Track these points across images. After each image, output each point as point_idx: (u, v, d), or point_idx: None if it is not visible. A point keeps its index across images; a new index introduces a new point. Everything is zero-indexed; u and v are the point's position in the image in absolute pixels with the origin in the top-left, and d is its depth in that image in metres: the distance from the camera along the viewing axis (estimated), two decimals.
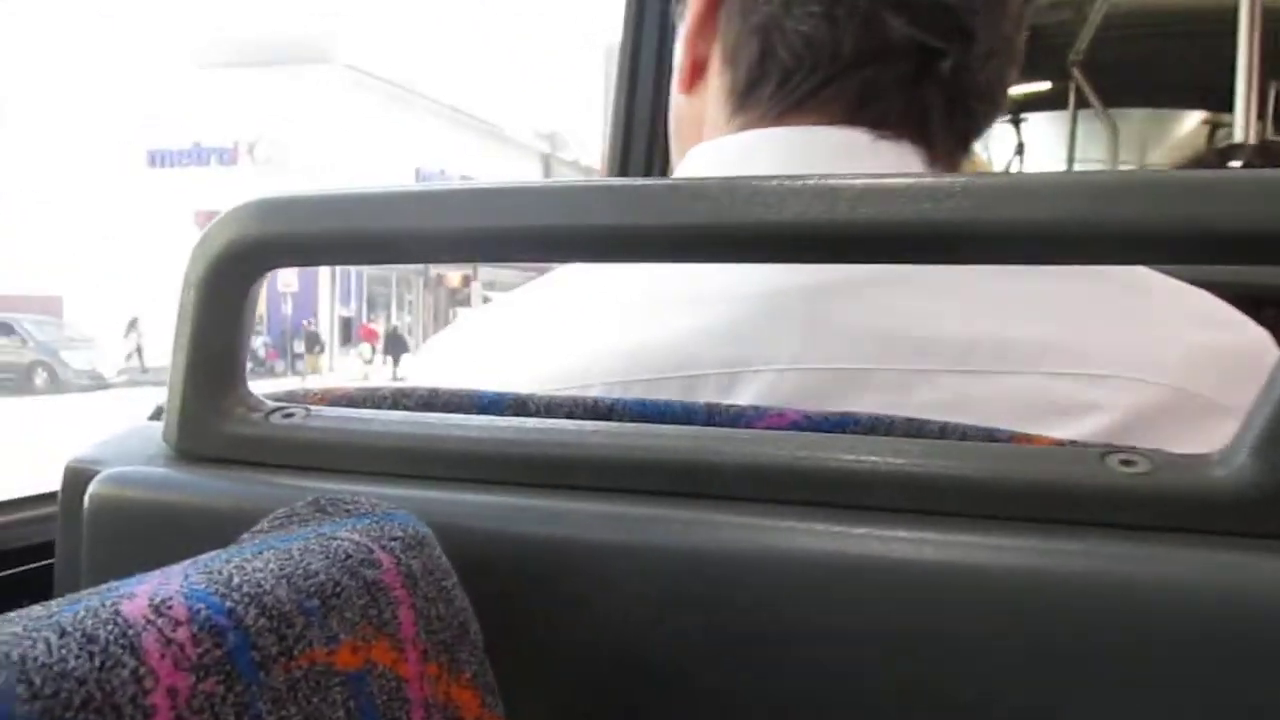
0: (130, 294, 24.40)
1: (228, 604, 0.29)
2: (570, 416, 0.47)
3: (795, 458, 0.41)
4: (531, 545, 0.42)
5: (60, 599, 0.28)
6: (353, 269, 25.44)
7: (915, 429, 0.44)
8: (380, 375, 21.34)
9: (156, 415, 0.53)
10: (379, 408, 0.50)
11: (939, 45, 0.54)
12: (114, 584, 0.29)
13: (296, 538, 0.35)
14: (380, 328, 27.55)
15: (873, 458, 0.40)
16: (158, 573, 0.31)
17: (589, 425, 0.45)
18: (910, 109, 0.55)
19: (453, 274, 25.86)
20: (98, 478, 0.47)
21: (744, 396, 0.49)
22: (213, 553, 0.33)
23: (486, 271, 27.53)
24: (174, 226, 24.68)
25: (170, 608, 0.28)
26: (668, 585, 0.40)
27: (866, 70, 0.54)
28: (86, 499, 0.47)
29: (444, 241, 0.43)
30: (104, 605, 0.27)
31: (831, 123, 0.55)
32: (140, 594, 0.28)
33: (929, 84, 0.55)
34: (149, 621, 0.27)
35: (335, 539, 0.35)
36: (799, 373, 0.49)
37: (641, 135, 1.43)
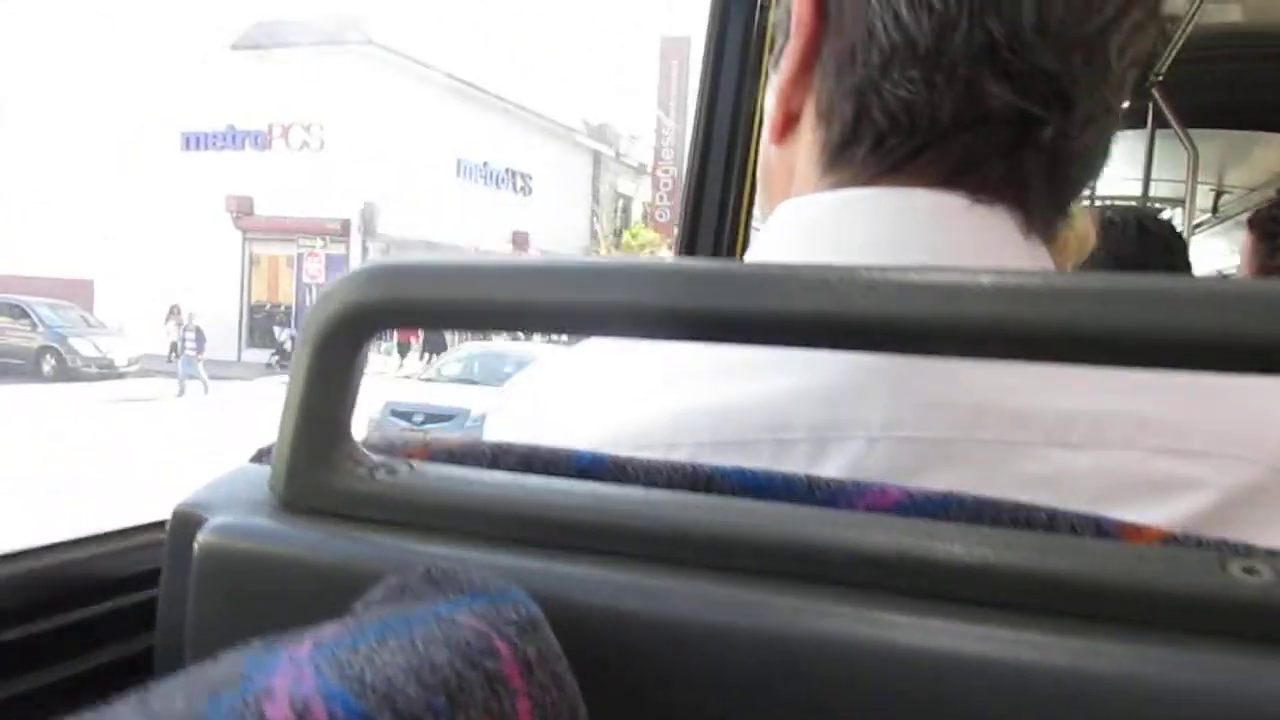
0: (163, 279, 23.73)
1: (363, 706, 0.31)
2: (670, 484, 0.47)
3: (902, 545, 0.41)
4: (634, 622, 0.42)
5: (195, 683, 0.31)
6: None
7: (1023, 516, 0.43)
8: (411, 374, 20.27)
9: (258, 458, 0.56)
10: (479, 463, 0.51)
11: (1039, 113, 0.52)
12: (243, 665, 0.32)
13: (417, 620, 0.36)
14: None
15: (984, 550, 0.40)
16: (285, 654, 0.33)
17: (693, 499, 0.46)
18: (1009, 175, 0.54)
19: None
20: (206, 526, 0.49)
21: (835, 462, 0.49)
22: (334, 629, 0.35)
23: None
24: (207, 210, 23.93)
25: (311, 712, 0.30)
26: (771, 671, 0.40)
27: (965, 136, 0.53)
28: (195, 547, 0.49)
29: (549, 314, 0.44)
30: (247, 705, 0.30)
31: (927, 186, 0.54)
32: (278, 691, 0.30)
33: (1028, 151, 0.53)
34: None
35: (455, 624, 0.36)
36: (891, 441, 0.49)
37: (717, 177, 1.48)
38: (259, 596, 0.48)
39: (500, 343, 14.96)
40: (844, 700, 0.39)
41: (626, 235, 32.49)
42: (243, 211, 24.25)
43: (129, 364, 19.37)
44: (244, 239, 24.45)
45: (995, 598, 0.39)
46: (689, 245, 1.55)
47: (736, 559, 0.43)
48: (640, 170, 37.05)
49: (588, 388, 0.59)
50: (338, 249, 23.65)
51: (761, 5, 1.47)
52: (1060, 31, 0.51)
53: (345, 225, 23.66)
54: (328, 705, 0.30)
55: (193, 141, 25.02)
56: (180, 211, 24.00)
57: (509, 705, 0.35)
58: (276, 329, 23.54)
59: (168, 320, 22.24)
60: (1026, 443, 0.48)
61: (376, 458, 0.50)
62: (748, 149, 1.50)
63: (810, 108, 0.58)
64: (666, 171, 38.70)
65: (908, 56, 0.52)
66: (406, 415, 11.42)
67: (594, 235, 31.82)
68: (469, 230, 27.06)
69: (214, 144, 24.91)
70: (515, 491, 0.47)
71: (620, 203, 36.86)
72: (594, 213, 32.79)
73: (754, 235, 1.55)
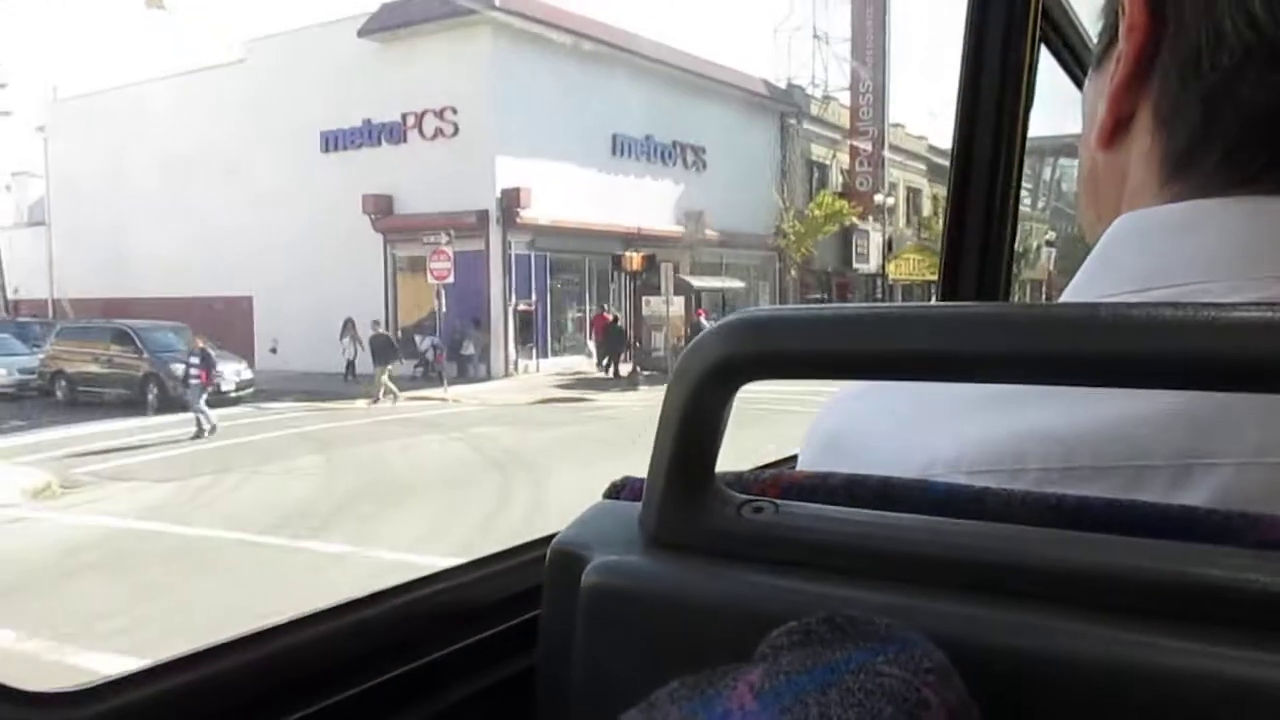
0: (318, 290, 22.31)
1: None
2: (1032, 518, 0.46)
3: None
4: (1027, 663, 0.42)
5: None
6: (533, 250, 21.77)
7: None
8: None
9: (613, 493, 0.61)
10: (832, 497, 0.52)
11: None
12: (696, 716, 0.35)
13: (842, 669, 0.37)
14: (570, 320, 23.92)
15: None
16: (733, 704, 0.36)
17: (1068, 536, 0.44)
18: None
19: (635, 256, 21.59)
20: (591, 566, 0.53)
21: (1200, 491, 0.46)
22: (760, 675, 0.37)
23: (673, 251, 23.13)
24: (349, 215, 22.25)
25: None
26: (1169, 716, 0.39)
27: None
28: (583, 583, 0.53)
29: (917, 361, 0.44)
30: None
31: None
32: None
33: None
34: None
35: (880, 674, 0.37)
36: (1264, 467, 0.46)
37: (983, 175, 1.41)
38: (642, 630, 0.51)
39: None
40: None
41: (811, 206, 28.44)
42: (381, 212, 22.43)
43: (237, 389, 17.77)
44: (385, 241, 22.62)
45: None
46: (950, 288, 1.48)
47: (1123, 599, 0.41)
48: (836, 134, 32.88)
49: (911, 410, 0.57)
50: (474, 244, 21.30)
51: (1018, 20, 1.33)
52: None
53: (482, 217, 21.29)
54: None
55: (331, 141, 23.50)
56: (328, 218, 22.47)
57: None
58: (418, 338, 21.49)
59: (343, 336, 20.93)
60: None
61: (741, 497, 0.52)
62: (1009, 180, 1.41)
63: (1146, 112, 0.55)
64: (865, 133, 34.41)
65: (1266, 59, 0.49)
66: None
67: (782, 211, 28.00)
68: (630, 212, 24.12)
69: (352, 142, 23.27)
70: (886, 529, 0.48)
71: (815, 173, 32.83)
72: (782, 185, 29.03)
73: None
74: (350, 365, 20.85)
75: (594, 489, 0.64)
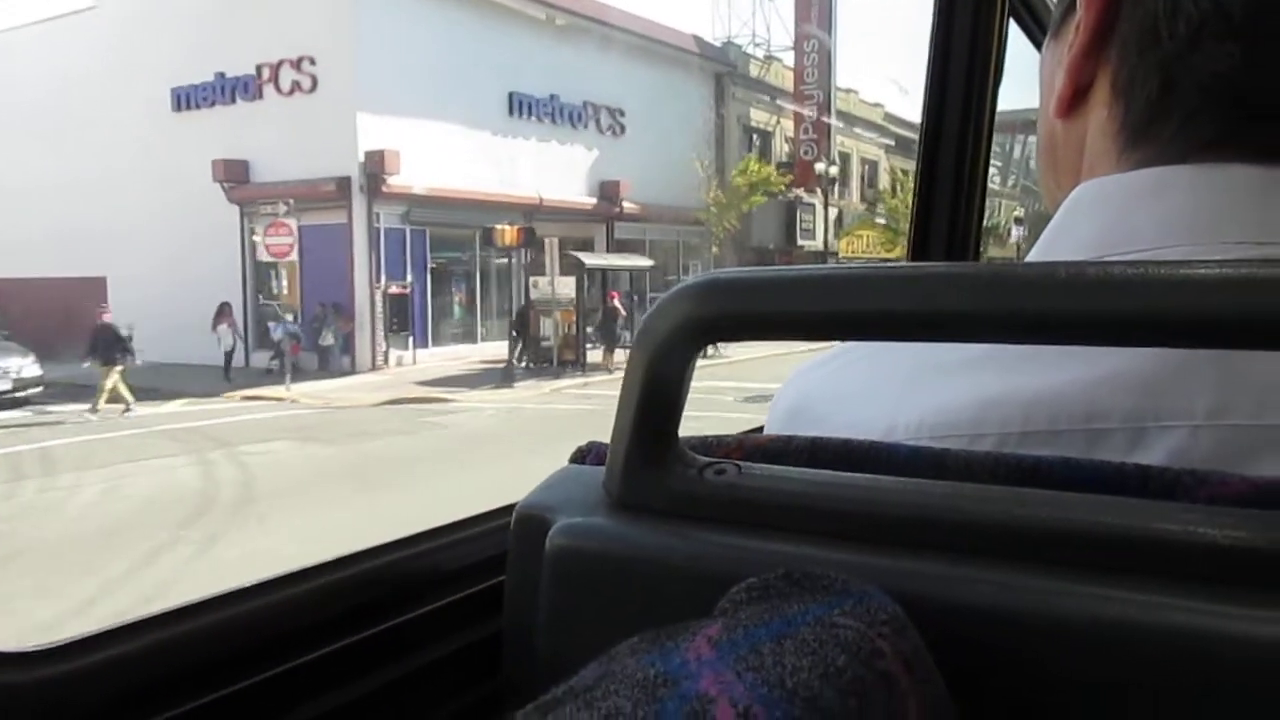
0: (181, 272, 19.39)
1: (795, 711, 0.34)
2: (995, 478, 0.47)
3: (1251, 537, 0.40)
4: (979, 616, 0.42)
5: (620, 684, 0.34)
6: (408, 224, 18.85)
7: None
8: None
9: (578, 458, 0.61)
10: (796, 460, 0.53)
11: None
12: (658, 666, 0.35)
13: (798, 621, 0.38)
14: (456, 304, 21.04)
15: None
16: (691, 655, 0.36)
17: (1026, 493, 0.45)
18: None
19: (509, 229, 18.67)
20: (556, 528, 0.53)
21: (1154, 452, 0.48)
22: (719, 629, 0.38)
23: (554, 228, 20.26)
24: (205, 184, 19.29)
25: (756, 716, 0.33)
26: (1119, 664, 0.40)
27: None
28: (546, 545, 0.53)
29: (876, 322, 0.45)
30: (695, 712, 0.33)
31: (1245, 161, 0.52)
32: (718, 698, 0.33)
33: None
34: None
35: (836, 625, 0.38)
36: (1216, 429, 0.47)
37: (951, 142, 1.42)
38: (606, 591, 0.52)
39: None
40: (1198, 695, 0.38)
41: (734, 173, 25.41)
42: (235, 179, 19.46)
43: (15, 388, 14.93)
44: (241, 214, 19.68)
45: None
46: (920, 249, 1.49)
47: (1077, 553, 0.42)
48: (780, 98, 30.07)
49: (874, 377, 0.58)
50: (335, 216, 18.38)
51: None
52: None
53: (343, 184, 18.36)
54: (767, 710, 0.33)
55: (183, 99, 20.48)
56: (183, 188, 19.51)
57: (901, 704, 0.37)
58: (270, 325, 18.56)
59: (217, 324, 18.05)
60: None
61: (703, 460, 0.52)
62: (979, 147, 1.45)
63: (1104, 81, 0.56)
64: (810, 97, 31.55)
65: (1222, 28, 0.50)
66: None
67: (706, 180, 25.02)
68: (530, 180, 21.28)
69: (205, 99, 20.25)
70: (845, 490, 0.48)
71: (755, 140, 30.03)
72: (719, 153, 26.16)
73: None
74: (228, 357, 17.97)
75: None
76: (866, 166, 36.44)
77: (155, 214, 19.94)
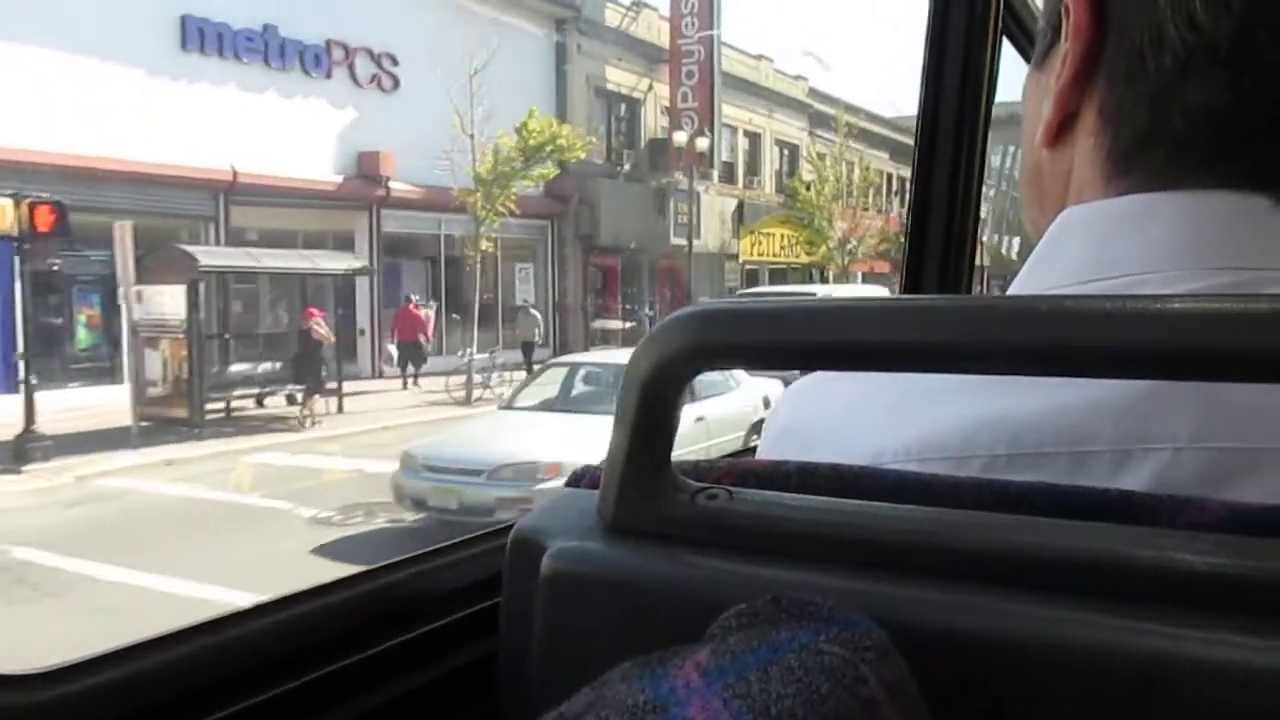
0: None
1: None
2: (980, 503, 0.48)
3: (1229, 563, 0.41)
4: (965, 642, 0.43)
5: (610, 710, 0.36)
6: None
7: None
8: None
9: (574, 482, 0.63)
10: (785, 484, 0.54)
11: None
12: (647, 693, 0.37)
13: (784, 648, 0.39)
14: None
15: None
16: (680, 681, 0.37)
17: (1011, 519, 0.46)
18: None
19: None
20: (550, 551, 0.55)
21: (1138, 475, 0.48)
22: (707, 655, 0.39)
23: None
24: None
25: None
26: (1101, 690, 0.41)
27: (1276, 143, 0.53)
28: (542, 569, 0.54)
29: (867, 353, 0.47)
30: None
31: (1229, 188, 0.53)
32: None
33: None
34: None
35: (820, 653, 0.39)
36: (1198, 452, 0.48)
37: (944, 170, 1.45)
38: (600, 614, 0.53)
39: None
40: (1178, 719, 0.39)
41: (499, 135, 17.10)
42: None
43: None
44: None
45: None
46: (913, 282, 1.51)
47: (1060, 579, 0.43)
48: (653, 54, 23.41)
49: (863, 400, 0.59)
50: None
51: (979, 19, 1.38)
52: None
53: None
54: None
55: None
56: None
57: None
58: None
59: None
60: None
61: (696, 484, 0.53)
62: (971, 168, 1.46)
63: (1091, 110, 0.57)
64: (689, 54, 24.83)
65: (1208, 58, 0.51)
66: None
67: (470, 145, 16.88)
68: (226, 146, 14.57)
69: None
70: (835, 515, 0.49)
71: (616, 108, 23.35)
72: (561, 117, 19.33)
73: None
74: None
75: None
76: (785, 151, 29.83)
77: None
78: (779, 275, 28.56)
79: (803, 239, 27.14)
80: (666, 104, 23.53)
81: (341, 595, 0.70)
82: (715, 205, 25.26)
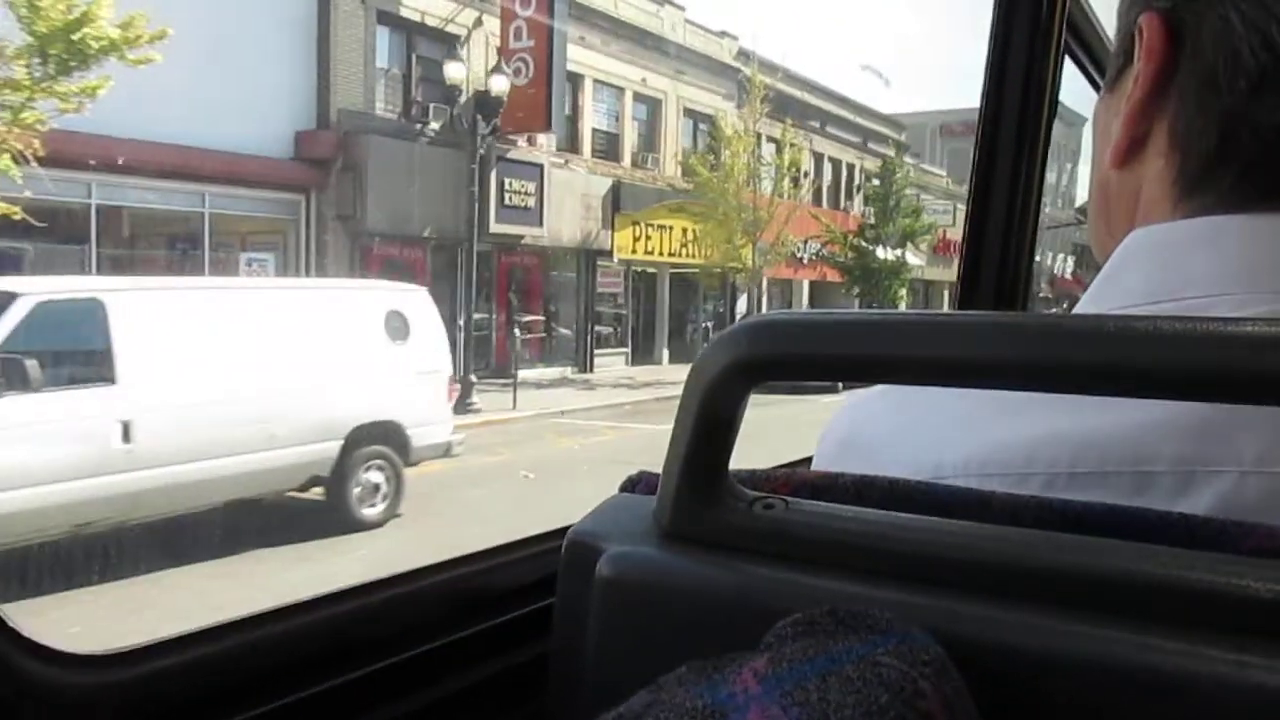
0: None
1: None
2: (1039, 521, 0.48)
3: None
4: (1022, 660, 0.43)
5: (671, 714, 0.37)
6: None
7: None
8: None
9: (629, 487, 0.63)
10: (843, 496, 0.54)
11: None
12: (705, 698, 0.37)
13: (842, 659, 0.39)
14: None
15: None
16: (738, 688, 0.38)
17: (1070, 540, 0.46)
18: None
19: None
20: (606, 556, 0.55)
21: (1201, 498, 0.48)
22: (765, 662, 0.39)
23: None
24: None
25: None
26: (1157, 715, 0.41)
27: None
28: (597, 572, 0.55)
29: (915, 366, 0.47)
30: None
31: None
32: None
33: None
34: None
35: (878, 665, 0.39)
36: (1263, 476, 0.48)
37: (1003, 188, 1.45)
38: (654, 620, 0.53)
39: None
40: None
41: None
42: None
43: None
44: None
45: None
46: (968, 298, 1.53)
47: (1120, 602, 0.43)
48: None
49: (923, 414, 0.59)
50: None
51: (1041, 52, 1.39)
52: None
53: None
54: None
55: None
56: None
57: None
58: None
59: None
60: None
61: (752, 494, 0.54)
62: (1030, 193, 1.47)
63: (1161, 132, 0.57)
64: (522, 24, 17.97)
65: None
66: None
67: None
68: None
69: None
70: (891, 529, 0.50)
71: (415, 44, 17.06)
72: (319, 59, 12.94)
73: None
74: None
75: None
76: (699, 125, 23.62)
77: None
78: (680, 284, 22.48)
79: (719, 234, 21.00)
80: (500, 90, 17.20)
81: (398, 590, 0.72)
82: (576, 185, 19.07)
